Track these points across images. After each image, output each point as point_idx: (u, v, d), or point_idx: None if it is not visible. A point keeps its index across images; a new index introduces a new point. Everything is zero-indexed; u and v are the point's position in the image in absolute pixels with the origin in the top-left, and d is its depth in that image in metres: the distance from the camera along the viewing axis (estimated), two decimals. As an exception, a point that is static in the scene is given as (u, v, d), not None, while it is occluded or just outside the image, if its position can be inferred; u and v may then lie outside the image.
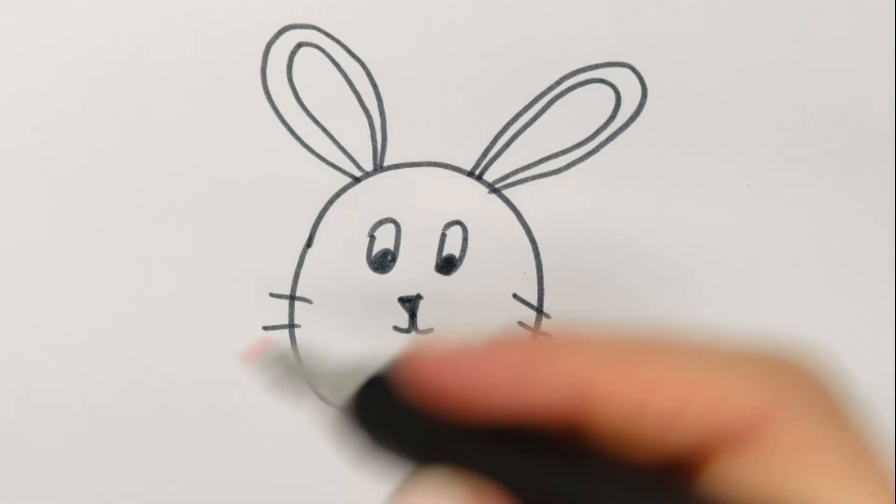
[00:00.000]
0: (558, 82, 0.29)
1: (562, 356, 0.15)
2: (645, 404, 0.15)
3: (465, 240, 0.30)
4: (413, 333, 0.30)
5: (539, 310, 0.30)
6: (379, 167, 0.29)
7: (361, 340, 0.30)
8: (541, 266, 0.30)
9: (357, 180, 0.29)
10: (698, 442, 0.15)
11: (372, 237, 0.30)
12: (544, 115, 0.29)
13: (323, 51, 0.29)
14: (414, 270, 0.30)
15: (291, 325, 0.29)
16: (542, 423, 0.15)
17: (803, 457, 0.14)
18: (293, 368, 0.21)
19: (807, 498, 0.14)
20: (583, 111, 0.29)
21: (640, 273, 0.30)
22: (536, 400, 0.15)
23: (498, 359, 0.16)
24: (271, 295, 0.29)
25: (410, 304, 0.30)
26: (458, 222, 0.30)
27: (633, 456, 0.15)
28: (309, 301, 0.29)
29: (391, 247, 0.30)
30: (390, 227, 0.30)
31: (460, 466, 0.16)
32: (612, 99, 0.29)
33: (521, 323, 0.30)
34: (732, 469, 0.15)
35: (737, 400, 0.15)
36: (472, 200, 0.30)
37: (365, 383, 0.18)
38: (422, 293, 0.30)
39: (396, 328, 0.30)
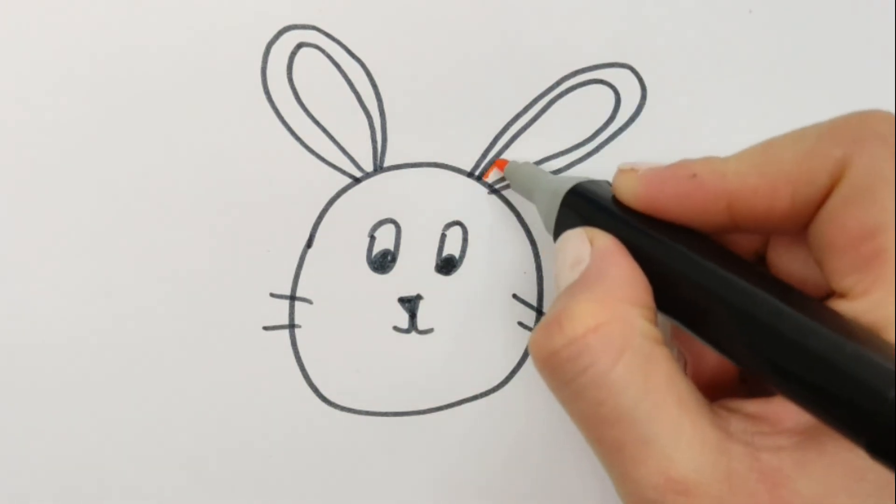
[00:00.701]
0: (558, 83, 0.29)
1: (716, 175, 0.21)
2: (774, 189, 0.20)
3: (465, 240, 0.30)
4: (413, 334, 0.30)
5: (539, 310, 0.30)
6: (379, 168, 0.29)
7: (361, 340, 0.30)
8: (541, 266, 0.30)
9: (357, 181, 0.29)
10: (814, 202, 0.20)
11: (372, 237, 0.30)
12: (544, 116, 0.29)
13: (323, 51, 0.29)
14: (414, 270, 0.30)
15: (291, 325, 0.29)
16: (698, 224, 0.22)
17: (874, 184, 0.18)
18: (523, 177, 0.28)
19: (874, 209, 0.18)
20: (582, 112, 0.29)
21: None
22: (700, 205, 0.21)
23: (677, 172, 0.22)
24: (271, 295, 0.29)
25: (410, 304, 0.30)
26: (458, 222, 0.30)
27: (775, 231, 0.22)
28: (309, 301, 0.30)
29: (391, 247, 0.30)
30: (390, 228, 0.30)
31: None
32: (611, 99, 0.29)
33: (520, 323, 0.30)
34: (827, 210, 0.19)
35: (825, 155, 0.19)
36: (472, 201, 0.30)
37: (577, 184, 0.25)
38: (422, 293, 0.30)
39: (396, 328, 0.30)
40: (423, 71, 0.29)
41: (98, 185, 0.29)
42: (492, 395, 0.30)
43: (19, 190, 0.29)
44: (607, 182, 0.24)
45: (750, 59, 0.30)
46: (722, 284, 0.20)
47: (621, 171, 0.23)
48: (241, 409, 0.29)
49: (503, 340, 0.30)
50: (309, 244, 0.29)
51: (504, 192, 0.30)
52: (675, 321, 0.22)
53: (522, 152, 0.30)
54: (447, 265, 0.30)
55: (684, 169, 0.22)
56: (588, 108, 0.29)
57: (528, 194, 0.28)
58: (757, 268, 0.21)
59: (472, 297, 0.30)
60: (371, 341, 0.30)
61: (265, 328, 0.29)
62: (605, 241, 0.22)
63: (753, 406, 0.20)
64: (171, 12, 0.29)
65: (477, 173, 0.30)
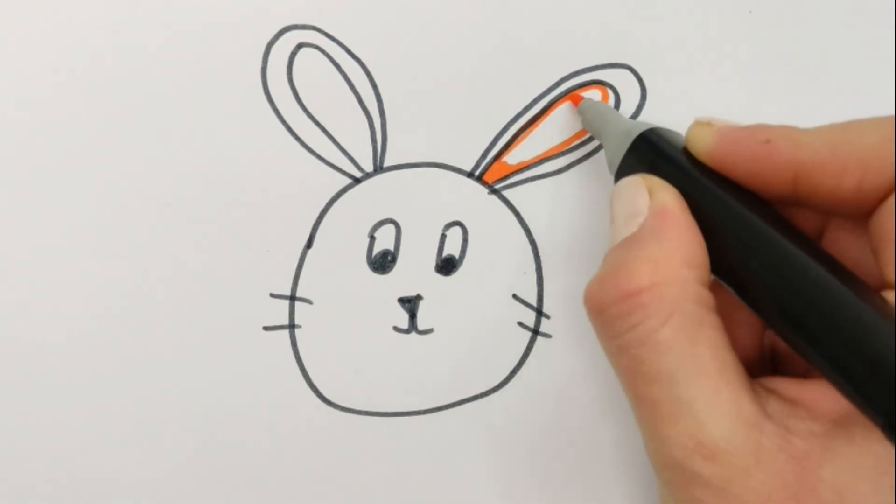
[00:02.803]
0: (558, 83, 0.29)
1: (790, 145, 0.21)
2: (844, 169, 0.20)
3: (465, 240, 0.30)
4: (413, 334, 0.30)
5: (539, 310, 0.30)
6: (379, 168, 0.29)
7: (361, 340, 0.30)
8: (541, 266, 0.30)
9: (357, 181, 0.29)
10: (879, 191, 0.20)
11: (372, 238, 0.30)
12: (544, 116, 0.29)
13: (323, 51, 0.29)
14: (414, 271, 0.30)
15: (291, 326, 0.29)
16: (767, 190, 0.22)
17: None
18: (596, 114, 0.28)
19: None
20: (582, 112, 0.29)
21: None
22: (769, 171, 0.21)
23: (753, 134, 0.22)
24: (271, 295, 0.29)
25: (410, 304, 0.30)
26: (458, 223, 0.30)
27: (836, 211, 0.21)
28: (309, 301, 0.30)
29: (391, 247, 0.30)
30: (390, 228, 0.30)
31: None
32: (611, 100, 0.29)
33: (520, 323, 0.30)
34: (891, 202, 0.19)
35: (886, 152, 0.19)
36: (472, 201, 0.30)
37: (650, 128, 0.25)
38: (422, 293, 0.30)
39: (396, 328, 0.30)
40: (423, 71, 0.29)
41: (98, 184, 0.29)
42: (492, 395, 0.30)
43: (19, 190, 0.29)
44: (680, 135, 0.24)
45: (750, 58, 0.30)
46: (776, 251, 0.20)
47: (697, 124, 0.23)
48: (241, 409, 0.29)
49: (503, 340, 0.30)
50: (309, 244, 0.29)
51: (504, 193, 0.30)
52: (726, 284, 0.22)
53: (523, 152, 0.30)
54: (447, 265, 0.30)
55: (760, 132, 0.22)
56: (588, 108, 0.29)
57: (597, 132, 0.28)
58: (815, 244, 0.21)
59: (472, 297, 0.30)
60: (371, 341, 0.30)
61: (265, 328, 0.29)
62: (665, 196, 0.22)
63: (792, 389, 0.20)
64: (172, 12, 0.29)
65: (477, 173, 0.30)
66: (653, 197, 0.22)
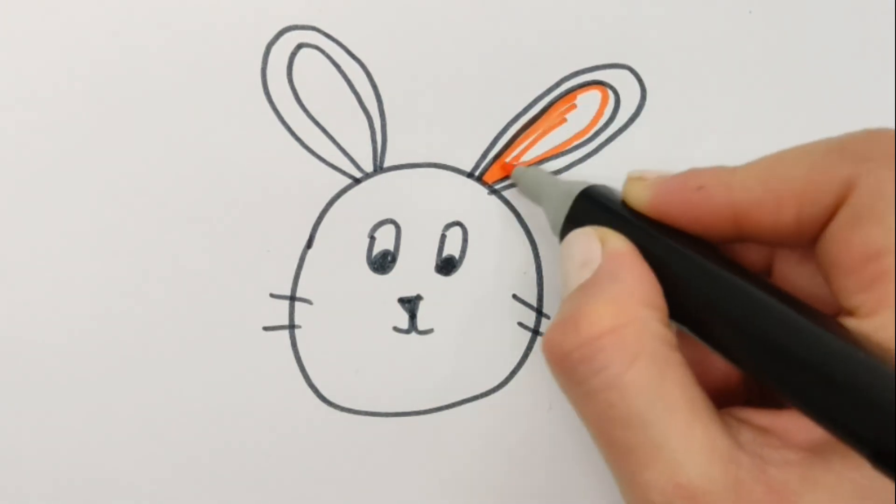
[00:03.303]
0: (558, 84, 0.29)
1: (724, 187, 0.21)
2: (780, 204, 0.20)
3: (465, 240, 0.30)
4: (413, 334, 0.30)
5: (539, 310, 0.30)
6: (379, 168, 0.29)
7: (361, 341, 0.30)
8: (541, 266, 0.30)
9: (357, 181, 0.29)
10: (819, 219, 0.20)
11: (372, 238, 0.30)
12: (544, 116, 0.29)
13: (323, 51, 0.29)
14: (414, 271, 0.30)
15: (291, 326, 0.29)
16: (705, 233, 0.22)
17: (879, 205, 0.18)
18: (532, 180, 0.28)
19: (878, 230, 0.18)
20: (582, 112, 0.29)
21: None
22: (707, 216, 0.21)
23: (685, 182, 0.22)
24: (271, 295, 0.29)
25: (410, 304, 0.30)
26: (458, 223, 0.30)
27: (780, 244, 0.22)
28: (309, 301, 0.30)
29: (391, 247, 0.30)
30: (390, 228, 0.30)
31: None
32: (611, 100, 0.29)
33: (520, 323, 0.30)
34: (833, 229, 0.19)
35: (832, 174, 0.19)
36: (472, 201, 0.30)
37: (588, 186, 0.25)
38: (422, 294, 0.30)
39: (396, 329, 0.30)
40: (423, 71, 0.29)
41: (98, 185, 0.29)
42: (492, 395, 0.30)
43: (19, 190, 0.29)
44: (617, 190, 0.25)
45: (750, 59, 0.30)
46: (732, 292, 0.20)
47: (630, 180, 0.23)
48: (240, 410, 0.29)
49: (503, 340, 0.30)
50: (309, 244, 0.29)
51: (504, 193, 0.30)
52: (683, 327, 0.22)
53: (523, 153, 0.30)
54: (447, 265, 0.30)
55: (693, 179, 0.22)
56: (588, 108, 0.29)
57: (535, 198, 0.28)
58: (764, 279, 0.21)
59: (472, 298, 0.30)
60: (371, 341, 0.30)
61: (265, 328, 0.29)
62: (617, 243, 0.22)
63: (763, 418, 0.20)
64: (172, 12, 0.29)
65: (477, 173, 0.30)
66: (605, 244, 0.22)
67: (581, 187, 0.25)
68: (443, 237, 0.30)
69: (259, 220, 0.29)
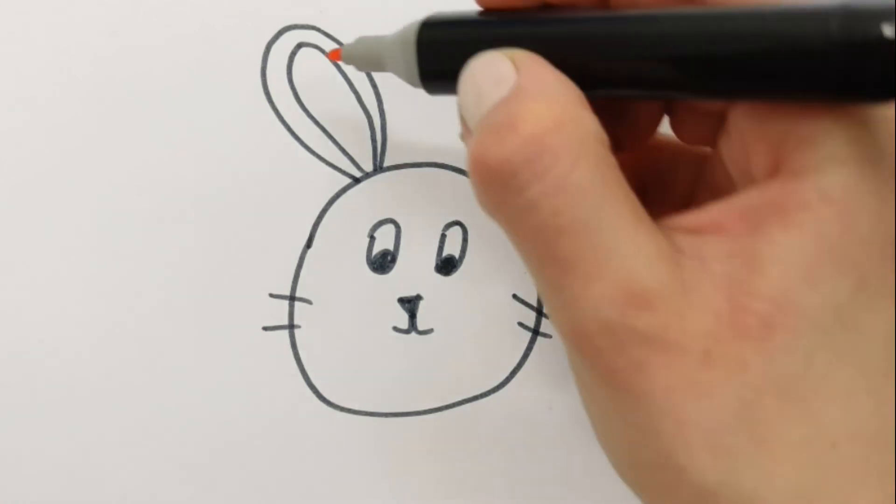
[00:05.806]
0: (558, 83, 0.29)
1: None
2: None
3: (465, 240, 0.30)
4: (413, 334, 0.30)
5: (539, 310, 0.30)
6: (379, 168, 0.29)
7: (361, 340, 0.30)
8: (541, 266, 0.30)
9: (357, 181, 0.29)
10: None
11: (372, 238, 0.30)
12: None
13: (323, 51, 0.29)
14: (414, 271, 0.30)
15: (291, 326, 0.29)
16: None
17: None
18: (363, 49, 0.25)
19: None
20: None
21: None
22: None
23: None
24: (271, 295, 0.29)
25: (410, 304, 0.30)
26: (458, 222, 0.30)
27: None
28: (309, 301, 0.29)
29: (391, 247, 0.30)
30: (390, 228, 0.30)
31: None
32: (611, 99, 0.29)
33: (520, 323, 0.30)
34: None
35: None
36: (472, 201, 0.30)
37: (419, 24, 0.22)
38: (422, 293, 0.30)
39: (396, 328, 0.30)
40: (423, 71, 0.29)
41: (97, 184, 0.29)
42: (492, 395, 0.30)
43: (19, 190, 0.29)
44: (451, 11, 0.22)
45: (750, 59, 0.30)
46: (644, 20, 0.19)
47: None
48: (240, 410, 0.29)
49: (503, 340, 0.30)
50: (309, 244, 0.29)
51: (504, 193, 0.30)
52: (612, 92, 0.20)
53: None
54: (447, 265, 0.30)
55: None
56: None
57: (377, 64, 0.25)
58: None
59: (472, 297, 0.30)
60: (371, 341, 0.30)
61: (265, 328, 0.29)
62: (524, 53, 0.20)
63: (690, 220, 0.19)
64: (172, 12, 0.29)
65: (477, 173, 0.30)
66: (514, 59, 0.20)
67: (417, 23, 0.22)
68: (443, 237, 0.30)
69: (258, 220, 0.29)
